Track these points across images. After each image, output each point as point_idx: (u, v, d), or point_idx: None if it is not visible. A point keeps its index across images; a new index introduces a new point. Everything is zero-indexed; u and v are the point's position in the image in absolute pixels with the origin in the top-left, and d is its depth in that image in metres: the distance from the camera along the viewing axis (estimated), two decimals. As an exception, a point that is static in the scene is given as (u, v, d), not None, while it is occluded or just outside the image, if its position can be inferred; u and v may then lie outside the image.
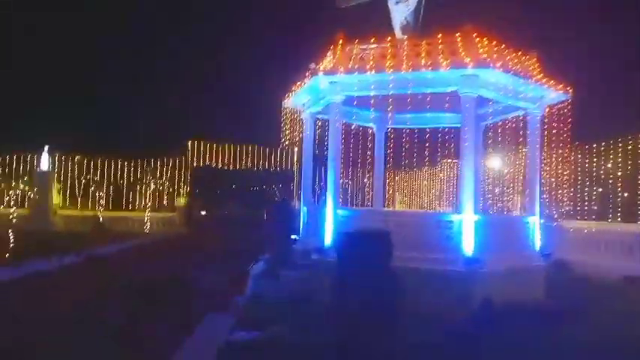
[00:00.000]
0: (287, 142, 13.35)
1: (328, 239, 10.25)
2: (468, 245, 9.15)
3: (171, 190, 27.90)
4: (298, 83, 11.70)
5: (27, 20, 31.78)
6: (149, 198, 26.23)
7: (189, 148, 28.60)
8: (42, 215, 22.03)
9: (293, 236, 13.17)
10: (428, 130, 14.17)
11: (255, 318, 7.91)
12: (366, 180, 27.99)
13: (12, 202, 21.87)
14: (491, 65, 9.46)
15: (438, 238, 9.23)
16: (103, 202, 20.70)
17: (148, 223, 25.12)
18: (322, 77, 10.20)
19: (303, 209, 12.60)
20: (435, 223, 9.47)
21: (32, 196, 19.70)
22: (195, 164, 28.67)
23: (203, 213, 27.55)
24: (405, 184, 29.77)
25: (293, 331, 7.16)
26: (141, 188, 27.06)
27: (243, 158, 29.25)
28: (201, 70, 36.53)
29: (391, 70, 9.65)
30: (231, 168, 29.24)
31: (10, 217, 14.22)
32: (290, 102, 12.59)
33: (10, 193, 15.74)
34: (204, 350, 6.51)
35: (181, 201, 27.70)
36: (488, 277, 8.95)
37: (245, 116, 32.95)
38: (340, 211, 10.43)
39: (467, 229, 9.17)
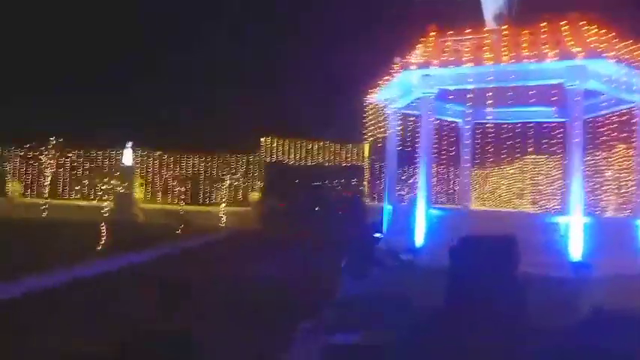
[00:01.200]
0: (370, 138, 13.04)
1: (420, 240, 9.87)
2: (577, 249, 8.49)
3: (245, 185, 28.43)
4: (385, 78, 11.36)
5: (117, 20, 33.28)
6: (224, 193, 26.76)
7: (263, 145, 29.00)
8: (126, 208, 23.03)
9: (376, 234, 12.88)
10: (518, 124, 13.48)
11: (351, 320, 7.69)
12: (445, 176, 27.28)
13: (104, 196, 23.10)
14: (603, 55, 8.71)
15: (542, 242, 8.62)
16: (183, 196, 21.32)
17: (224, 218, 25.64)
18: (414, 71, 9.80)
19: (388, 207, 12.27)
20: (540, 225, 8.86)
21: (117, 190, 20.63)
22: (268, 160, 29.06)
23: (278, 207, 27.85)
24: (482, 181, 28.63)
25: (395, 335, 6.87)
26: (216, 183, 27.73)
27: (314, 154, 29.30)
28: (276, 66, 36.85)
29: (490, 61, 9.12)
30: (303, 163, 29.39)
31: (102, 210, 14.80)
32: (375, 97, 12.27)
33: (103, 187, 16.69)
34: (305, 353, 6.37)
35: (255, 196, 28.13)
36: (598, 283, 8.27)
37: (318, 112, 32.92)
38: (433, 211, 10.01)
39: (575, 232, 8.51)
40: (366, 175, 28.75)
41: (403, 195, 19.56)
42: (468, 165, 14.26)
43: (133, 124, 26.09)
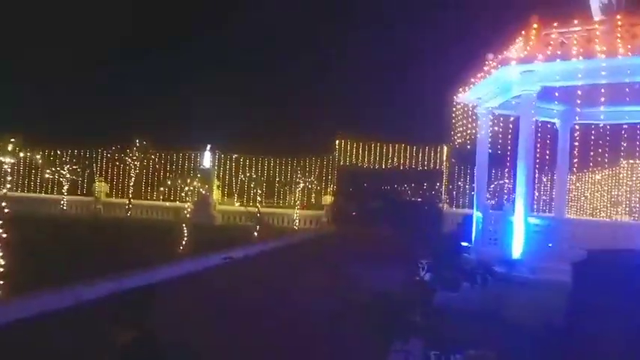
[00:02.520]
0: (458, 140, 12.27)
1: (517, 251, 9.03)
2: None
3: (318, 188, 28.25)
4: (479, 75, 10.59)
5: (203, 25, 34.36)
6: (298, 195, 26.69)
7: (337, 147, 28.70)
8: (204, 209, 23.50)
9: (464, 243, 12.09)
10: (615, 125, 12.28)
11: (449, 336, 7.05)
12: (537, 182, 25.66)
13: (184, 197, 23.65)
14: None
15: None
16: (260, 198, 21.41)
17: (297, 220, 25.54)
18: (514, 66, 8.98)
19: (477, 214, 11.44)
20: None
21: (196, 191, 21.03)
22: (341, 163, 28.72)
23: (351, 210, 27.46)
24: (571, 187, 26.68)
25: (499, 355, 6.19)
26: (290, 186, 27.73)
27: (390, 157, 28.57)
28: (353, 66, 36.54)
29: (604, 55, 8.16)
30: (377, 167, 28.76)
31: (185, 211, 15.03)
32: (465, 96, 11.51)
33: (183, 189, 17.16)
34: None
35: (328, 199, 27.88)
36: None
37: (395, 114, 32.25)
38: (533, 220, 9.15)
39: None
40: (445, 179, 27.68)
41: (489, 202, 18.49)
42: (565, 170, 13.13)
43: (212, 127, 26.65)
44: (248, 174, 25.17)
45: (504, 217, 10.21)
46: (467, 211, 23.91)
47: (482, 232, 11.00)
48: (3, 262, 7.72)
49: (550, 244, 9.26)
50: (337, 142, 28.80)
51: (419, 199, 31.05)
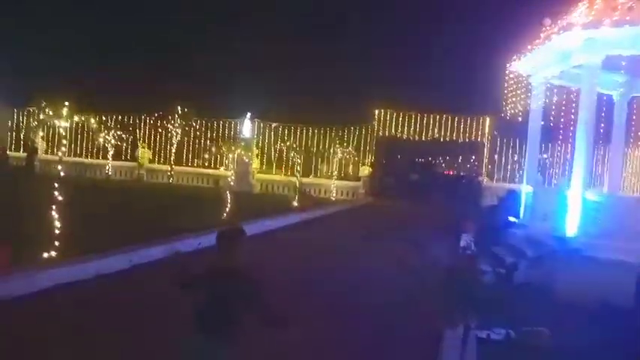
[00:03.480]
0: (511, 111, 11.83)
1: (572, 228, 8.72)
2: None
3: (356, 159, 27.99)
4: (536, 42, 10.10)
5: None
6: (335, 166, 26.52)
7: (376, 117, 28.24)
8: (244, 178, 23.68)
9: (511, 218, 11.79)
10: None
11: (502, 312, 6.90)
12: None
13: (224, 165, 24.00)
14: None
15: None
16: (299, 167, 21.35)
17: (334, 191, 25.46)
18: (577, 32, 8.50)
19: (527, 189, 11.11)
20: None
21: (236, 159, 21.17)
22: (380, 133, 28.30)
23: (389, 182, 27.18)
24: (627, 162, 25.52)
25: (556, 334, 6.03)
26: (328, 156, 27.58)
27: (429, 128, 27.94)
28: (394, 33, 35.64)
29: (679, 20, 7.61)
30: (416, 138, 28.21)
31: (229, 179, 15.17)
32: (519, 65, 11.04)
33: (223, 156, 17.25)
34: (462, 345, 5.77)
35: (366, 170, 27.63)
36: None
37: (435, 83, 31.39)
38: (591, 196, 8.78)
39: None
40: (486, 151, 26.96)
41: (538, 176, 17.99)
42: (621, 145, 12.57)
43: (252, 96, 26.58)
44: (288, 143, 25.04)
45: (558, 192, 9.87)
46: (509, 185, 23.35)
47: (533, 208, 10.69)
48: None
49: (605, 221, 8.91)
50: (376, 111, 28.32)
51: (459, 172, 30.46)
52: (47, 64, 29.92)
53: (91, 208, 11.03)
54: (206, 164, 27.04)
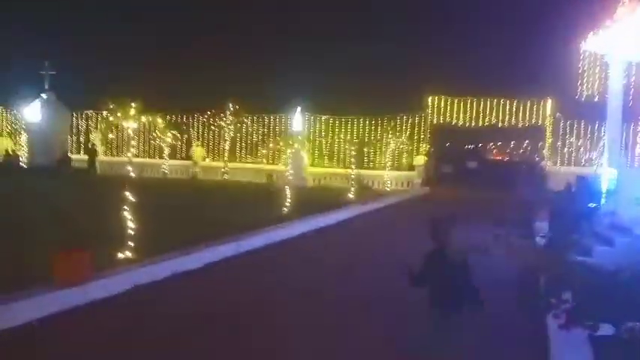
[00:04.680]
0: (586, 93, 11.08)
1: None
2: None
3: (410, 148, 27.42)
4: (614, 16, 9.36)
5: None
6: (388, 156, 26.04)
7: (429, 105, 27.53)
8: (296, 172, 23.61)
9: (591, 204, 11.07)
10: None
11: (587, 304, 6.38)
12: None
13: (278, 160, 24.07)
14: None
15: None
16: (353, 159, 21.05)
17: (388, 181, 25.01)
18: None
19: (611, 173, 10.37)
20: None
21: (288, 154, 21.09)
22: (435, 121, 27.58)
23: (447, 171, 26.47)
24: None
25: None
26: (381, 146, 27.16)
27: (486, 113, 26.96)
28: (444, 17, 34.57)
29: None
30: (472, 124, 27.31)
31: (286, 174, 15.09)
32: (594, 42, 10.29)
33: (276, 151, 17.22)
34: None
35: (421, 160, 27.00)
36: None
37: (491, 66, 30.19)
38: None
39: None
40: (549, 135, 25.76)
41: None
42: None
43: (302, 89, 26.41)
44: (340, 135, 24.80)
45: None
46: (574, 169, 22.20)
47: (618, 192, 9.97)
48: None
49: None
50: (429, 99, 27.59)
51: (519, 158, 29.25)
52: (102, 67, 30.91)
53: (158, 208, 11.16)
54: (260, 160, 27.22)
